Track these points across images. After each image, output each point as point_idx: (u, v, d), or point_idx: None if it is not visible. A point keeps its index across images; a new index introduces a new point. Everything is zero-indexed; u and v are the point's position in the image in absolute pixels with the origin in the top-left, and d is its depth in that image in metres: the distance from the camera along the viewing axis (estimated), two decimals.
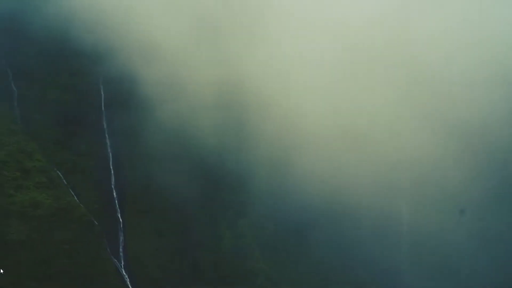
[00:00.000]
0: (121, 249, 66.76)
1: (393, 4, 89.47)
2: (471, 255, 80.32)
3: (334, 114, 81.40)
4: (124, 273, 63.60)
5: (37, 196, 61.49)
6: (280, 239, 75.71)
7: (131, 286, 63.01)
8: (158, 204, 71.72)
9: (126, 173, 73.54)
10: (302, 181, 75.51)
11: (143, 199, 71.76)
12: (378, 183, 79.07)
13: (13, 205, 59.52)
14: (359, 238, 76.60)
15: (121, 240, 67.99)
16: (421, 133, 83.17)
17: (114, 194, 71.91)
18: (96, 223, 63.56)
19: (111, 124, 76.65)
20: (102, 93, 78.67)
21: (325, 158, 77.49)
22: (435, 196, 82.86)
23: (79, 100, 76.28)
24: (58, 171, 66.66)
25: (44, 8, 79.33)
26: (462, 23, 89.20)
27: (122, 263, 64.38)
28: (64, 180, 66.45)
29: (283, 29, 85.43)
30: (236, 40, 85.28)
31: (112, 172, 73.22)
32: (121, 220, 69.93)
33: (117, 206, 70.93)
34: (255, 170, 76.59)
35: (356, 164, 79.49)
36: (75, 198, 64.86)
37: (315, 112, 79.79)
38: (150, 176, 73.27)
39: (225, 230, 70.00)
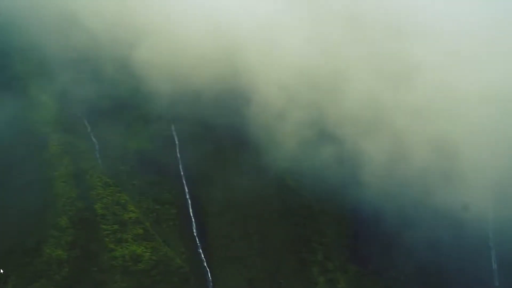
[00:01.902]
0: None
1: None
2: None
3: None
4: None
5: (136, 249, 61.10)
6: None
7: None
8: (245, 251, 70.63)
9: (208, 220, 72.90)
10: None
11: (228, 246, 70.84)
12: None
13: (115, 260, 58.97)
14: None
15: None
16: None
17: (197, 242, 71.03)
18: (191, 275, 62.84)
19: (187, 170, 76.70)
20: (176, 140, 78.98)
21: None
22: None
23: (155, 147, 76.52)
24: (149, 222, 66.04)
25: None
26: None
27: None
28: (156, 231, 65.75)
29: None
30: None
31: (193, 220, 72.58)
32: (208, 269, 68.89)
33: (202, 255, 70.05)
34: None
35: None
36: (170, 249, 64.03)
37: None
38: (232, 222, 72.68)
39: (318, 276, 68.36)
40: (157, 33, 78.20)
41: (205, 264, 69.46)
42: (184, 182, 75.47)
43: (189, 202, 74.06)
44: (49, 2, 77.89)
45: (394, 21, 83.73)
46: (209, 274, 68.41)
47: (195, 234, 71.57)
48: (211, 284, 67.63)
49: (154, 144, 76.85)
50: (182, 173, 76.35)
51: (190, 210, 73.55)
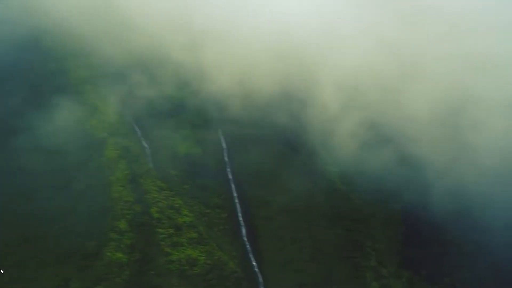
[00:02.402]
0: None
1: None
2: None
3: None
4: None
5: (192, 253, 61.21)
6: None
7: None
8: (296, 256, 69.92)
9: (257, 224, 72.59)
10: None
11: (279, 251, 70.25)
12: None
13: (171, 264, 59.20)
14: None
15: None
16: None
17: (248, 246, 70.65)
18: (244, 280, 62.48)
19: (235, 175, 76.71)
20: (223, 144, 79.21)
21: None
22: None
23: (204, 151, 76.93)
24: (202, 226, 66.18)
25: None
26: None
27: None
28: (209, 235, 65.82)
29: None
30: None
31: (242, 224, 72.31)
32: (259, 274, 68.39)
33: (253, 259, 69.61)
34: None
35: None
36: (223, 253, 63.94)
37: None
38: (283, 226, 72.13)
39: (372, 281, 67.12)
40: (210, 37, 78.72)
41: (256, 269, 69.14)
42: (232, 186, 75.69)
43: (238, 206, 74.07)
44: (106, 7, 79.44)
45: (456, 18, 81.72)
46: (261, 279, 67.99)
47: (245, 238, 71.37)
48: (262, 287, 67.22)
49: (202, 148, 77.59)
50: (230, 177, 76.61)
51: (239, 214, 73.48)
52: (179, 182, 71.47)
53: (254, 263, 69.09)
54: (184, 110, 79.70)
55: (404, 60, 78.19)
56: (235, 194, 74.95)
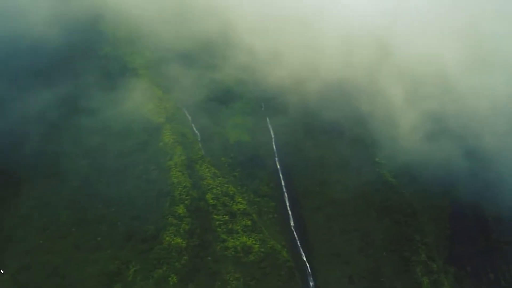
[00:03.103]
0: None
1: None
2: None
3: None
4: None
5: (246, 240, 61.58)
6: None
7: None
8: (344, 247, 69.79)
9: (306, 214, 72.58)
10: None
11: (328, 242, 70.21)
12: None
13: (227, 251, 59.65)
14: None
15: (311, 286, 66.41)
16: None
17: (295, 235, 70.73)
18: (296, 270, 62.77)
19: (283, 163, 76.65)
20: (272, 134, 79.09)
21: None
22: None
23: (253, 139, 76.92)
24: (255, 214, 66.45)
25: None
26: None
27: None
28: (261, 223, 66.09)
29: None
30: None
31: (290, 213, 72.35)
32: (307, 264, 68.49)
33: (301, 249, 69.69)
34: None
35: None
36: (276, 242, 64.17)
37: None
38: (331, 217, 71.99)
39: (422, 276, 66.72)
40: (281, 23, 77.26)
41: (304, 258, 69.34)
42: (280, 175, 75.68)
43: (286, 195, 74.12)
44: None
45: None
46: (309, 269, 68.16)
47: (292, 227, 71.51)
48: (311, 278, 67.42)
49: (252, 136, 77.54)
50: (278, 166, 76.63)
51: (287, 204, 73.53)
52: (229, 169, 71.86)
53: (303, 253, 69.51)
54: (236, 98, 79.62)
55: (472, 51, 76.33)
56: (283, 184, 75.06)
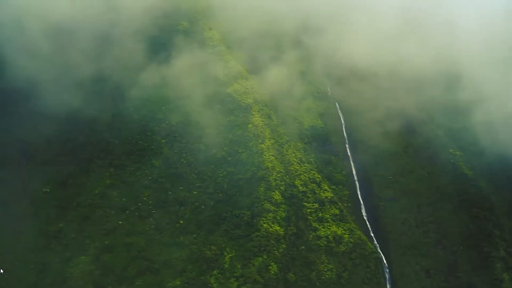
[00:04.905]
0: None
1: None
2: None
3: None
4: None
5: (336, 230, 59.62)
6: None
7: None
8: (421, 240, 68.18)
9: (380, 204, 70.62)
10: None
11: (403, 233, 68.44)
12: None
13: (319, 240, 57.70)
14: None
15: (387, 278, 64.87)
16: None
17: (368, 225, 68.88)
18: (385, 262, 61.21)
19: (354, 150, 74.34)
20: (342, 120, 76.56)
21: None
22: None
23: (326, 124, 74.31)
24: (340, 203, 64.23)
25: None
26: None
27: None
28: (346, 213, 64.05)
29: None
30: None
31: (362, 202, 70.35)
32: (382, 255, 66.84)
33: (374, 239, 67.92)
34: None
35: None
36: (362, 233, 62.36)
37: None
38: (406, 209, 70.15)
39: (502, 273, 65.50)
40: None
41: (379, 249, 67.66)
42: (351, 163, 73.41)
43: (357, 184, 72.01)
44: None
45: None
46: (384, 261, 66.54)
47: (365, 217, 69.60)
48: (387, 270, 65.86)
49: (324, 121, 74.79)
50: (349, 153, 74.32)
51: (358, 192, 71.47)
52: (306, 154, 69.21)
53: (377, 244, 67.79)
54: (305, 81, 76.51)
55: None
56: (354, 172, 72.85)
